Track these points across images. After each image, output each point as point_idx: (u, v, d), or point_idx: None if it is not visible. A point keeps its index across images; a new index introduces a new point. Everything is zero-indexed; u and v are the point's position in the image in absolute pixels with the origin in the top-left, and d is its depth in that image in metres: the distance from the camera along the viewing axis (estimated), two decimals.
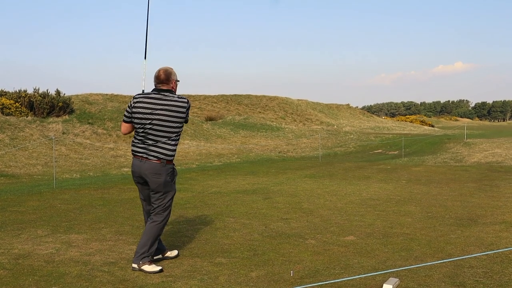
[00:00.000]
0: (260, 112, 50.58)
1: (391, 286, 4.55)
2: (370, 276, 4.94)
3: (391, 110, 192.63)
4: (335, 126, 49.12)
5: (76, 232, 7.00)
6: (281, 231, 7.06)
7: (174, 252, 5.76)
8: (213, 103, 52.03)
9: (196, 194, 10.73)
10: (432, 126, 69.96)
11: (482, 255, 5.68)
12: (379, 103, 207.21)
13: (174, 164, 5.34)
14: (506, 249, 5.89)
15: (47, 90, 30.20)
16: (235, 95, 57.55)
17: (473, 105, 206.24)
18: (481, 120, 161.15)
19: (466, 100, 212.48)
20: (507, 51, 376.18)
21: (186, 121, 5.32)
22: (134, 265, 5.17)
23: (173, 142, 5.22)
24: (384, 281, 4.68)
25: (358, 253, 5.90)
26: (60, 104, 29.23)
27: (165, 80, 5.22)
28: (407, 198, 9.99)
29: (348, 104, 70.89)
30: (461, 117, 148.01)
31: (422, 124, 69.57)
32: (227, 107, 51.36)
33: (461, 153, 24.89)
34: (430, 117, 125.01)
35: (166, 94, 5.20)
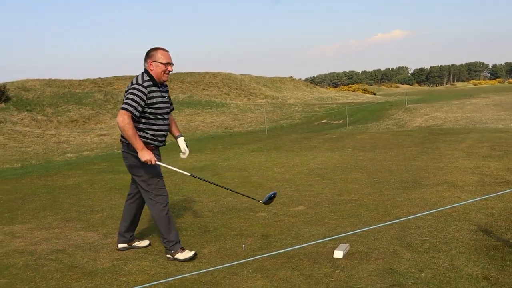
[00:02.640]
0: (204, 89, 50.15)
1: (342, 252, 4.63)
2: (321, 243, 5.00)
3: (334, 80, 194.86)
4: (280, 99, 49.31)
5: (19, 222, 6.78)
6: (231, 206, 7.06)
7: (145, 242, 5.38)
8: None
9: None
10: (374, 94, 71.25)
11: (427, 214, 5.84)
12: (321, 74, 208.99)
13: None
14: (449, 207, 6.07)
15: None
16: (178, 73, 56.71)
17: (412, 71, 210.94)
18: (420, 85, 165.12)
19: (405, 67, 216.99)
20: (442, 18, 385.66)
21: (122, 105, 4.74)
22: (168, 255, 4.91)
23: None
24: (335, 248, 4.75)
25: (308, 222, 5.96)
26: None
27: (144, 60, 4.89)
28: (353, 166, 10.15)
29: (291, 77, 71.20)
30: (401, 83, 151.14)
31: (364, 93, 70.75)
32: (170, 85, 50.50)
33: (403, 118, 25.46)
34: (371, 85, 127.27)
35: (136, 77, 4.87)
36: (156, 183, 4.94)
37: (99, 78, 51.69)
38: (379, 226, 5.42)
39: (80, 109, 30.52)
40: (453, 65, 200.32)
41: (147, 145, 4.82)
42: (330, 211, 6.46)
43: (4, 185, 10.17)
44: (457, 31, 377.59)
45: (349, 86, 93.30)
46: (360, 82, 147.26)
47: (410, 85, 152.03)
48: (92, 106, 31.44)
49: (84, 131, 26.64)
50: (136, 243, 5.32)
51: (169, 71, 4.88)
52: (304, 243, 5.05)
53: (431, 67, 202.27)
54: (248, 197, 5.82)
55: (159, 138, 4.97)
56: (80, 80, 49.17)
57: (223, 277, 4.30)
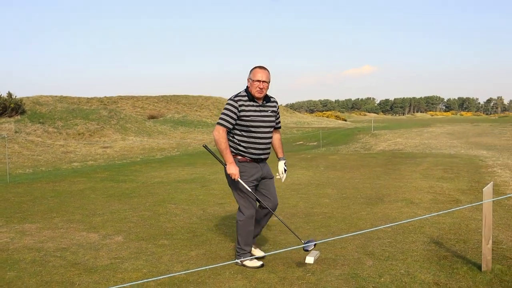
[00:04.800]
0: (196, 111, 50.10)
1: (313, 258, 4.64)
2: (294, 250, 5.00)
3: (310, 107, 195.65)
4: None
5: (29, 222, 6.70)
6: (217, 214, 7.04)
7: (260, 252, 4.82)
8: (154, 103, 51.05)
9: (141, 184, 10.52)
10: (345, 120, 71.59)
11: (387, 227, 5.88)
12: (300, 101, 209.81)
13: (237, 160, 4.55)
14: (406, 221, 6.12)
15: None
16: (174, 95, 56.72)
17: (378, 101, 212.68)
18: (385, 114, 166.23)
19: (373, 98, 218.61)
20: (405, 56, 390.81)
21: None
22: (237, 261, 4.63)
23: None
24: (307, 254, 4.76)
25: (284, 231, 5.96)
26: (12, 105, 27.87)
27: None
28: (325, 182, 10.18)
29: None
30: (368, 112, 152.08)
31: (336, 119, 71.10)
32: (167, 106, 50.50)
33: (369, 142, 25.63)
34: (343, 112, 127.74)
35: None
36: (243, 195, 4.56)
37: (105, 97, 51.49)
38: (345, 236, 5.44)
39: (87, 124, 30.30)
40: (413, 97, 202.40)
41: (242, 156, 4.55)
42: (303, 222, 6.48)
43: (17, 188, 10.05)
44: (418, 68, 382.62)
45: (323, 112, 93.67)
46: (334, 110, 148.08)
47: (377, 113, 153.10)
48: (98, 121, 31.23)
49: (89, 143, 26.42)
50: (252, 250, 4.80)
51: (260, 88, 4.47)
52: (280, 249, 5.05)
53: (395, 98, 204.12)
54: (294, 233, 4.90)
55: (252, 151, 4.55)
56: (88, 98, 48.95)
57: (208, 277, 4.28)
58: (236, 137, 4.53)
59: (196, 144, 28.45)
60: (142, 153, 23.31)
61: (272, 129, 4.67)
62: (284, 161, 4.94)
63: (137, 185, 10.38)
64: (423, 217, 6.40)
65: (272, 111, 4.66)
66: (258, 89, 4.47)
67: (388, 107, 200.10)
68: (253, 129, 4.50)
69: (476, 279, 4.09)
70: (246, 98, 4.50)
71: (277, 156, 4.96)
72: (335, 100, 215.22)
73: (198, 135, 35.41)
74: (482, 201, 4.31)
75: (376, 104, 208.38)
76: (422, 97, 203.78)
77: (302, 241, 4.45)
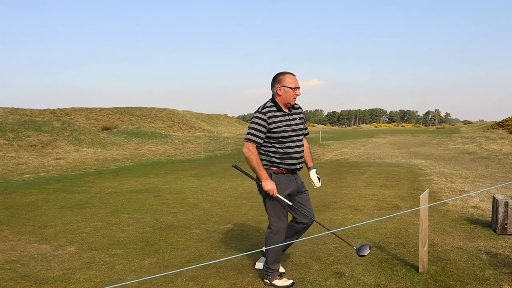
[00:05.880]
0: (150, 122, 49.49)
1: (262, 264, 4.68)
2: (245, 256, 5.04)
3: None
4: (215, 133, 49.30)
5: None
6: (170, 223, 6.98)
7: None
8: (108, 115, 50.08)
9: (94, 195, 10.28)
10: None
11: (333, 233, 6.00)
12: (251, 112, 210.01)
13: (272, 172, 4.28)
14: (351, 226, 6.27)
15: None
16: (128, 107, 55.93)
17: (326, 113, 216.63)
18: (332, 125, 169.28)
19: (321, 110, 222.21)
20: (350, 71, 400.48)
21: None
22: (266, 280, 4.29)
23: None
24: (256, 260, 4.80)
25: (236, 238, 5.99)
26: None
27: (272, 85, 4.28)
28: None
29: (226, 114, 71.59)
30: (317, 123, 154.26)
31: None
32: (121, 118, 49.64)
33: (317, 152, 26.04)
34: None
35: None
36: (275, 208, 4.34)
37: (58, 108, 50.16)
38: (293, 242, 5.51)
39: (39, 135, 29.33)
40: (359, 110, 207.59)
41: (277, 168, 4.25)
42: (254, 229, 6.51)
43: None
44: (362, 82, 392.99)
45: None
46: None
47: (324, 125, 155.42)
48: (51, 133, 30.30)
49: (42, 154, 25.56)
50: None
51: (297, 95, 4.21)
52: (231, 256, 5.07)
53: (341, 111, 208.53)
54: (344, 240, 4.64)
55: (288, 161, 4.24)
56: (40, 110, 47.49)
57: (160, 285, 4.25)
58: (269, 149, 4.23)
59: (149, 155, 28.05)
60: (96, 164, 22.75)
61: (302, 137, 4.40)
62: (315, 169, 4.66)
63: (90, 195, 10.13)
64: (366, 222, 6.58)
65: (300, 118, 4.37)
66: (295, 96, 4.20)
67: (335, 118, 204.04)
68: (284, 140, 4.19)
69: (414, 280, 4.25)
70: (274, 108, 4.19)
71: (307, 166, 4.61)
72: None
73: (152, 146, 34.95)
74: (419, 207, 4.49)
75: (324, 116, 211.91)
76: (367, 109, 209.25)
77: (354, 247, 4.30)
